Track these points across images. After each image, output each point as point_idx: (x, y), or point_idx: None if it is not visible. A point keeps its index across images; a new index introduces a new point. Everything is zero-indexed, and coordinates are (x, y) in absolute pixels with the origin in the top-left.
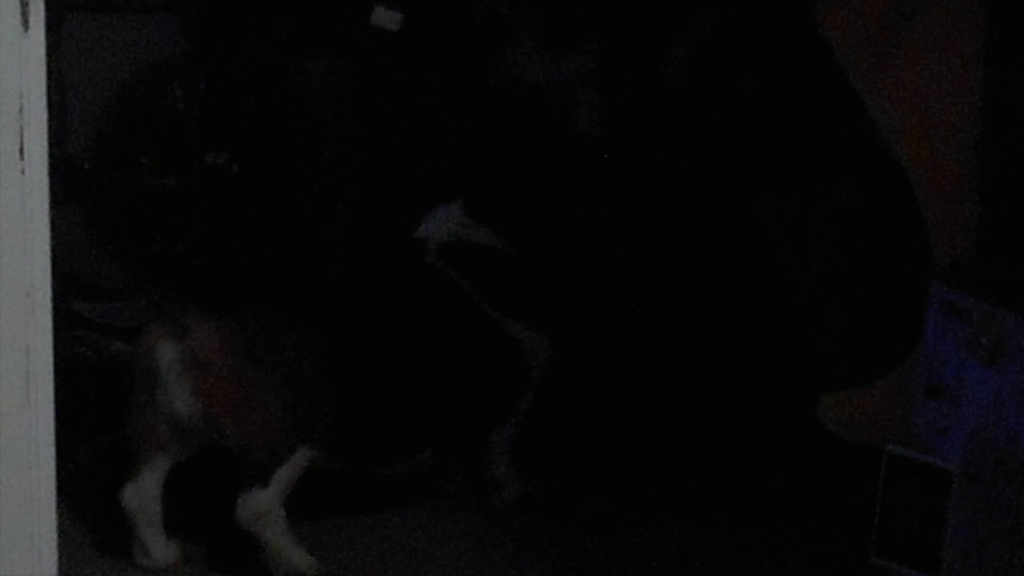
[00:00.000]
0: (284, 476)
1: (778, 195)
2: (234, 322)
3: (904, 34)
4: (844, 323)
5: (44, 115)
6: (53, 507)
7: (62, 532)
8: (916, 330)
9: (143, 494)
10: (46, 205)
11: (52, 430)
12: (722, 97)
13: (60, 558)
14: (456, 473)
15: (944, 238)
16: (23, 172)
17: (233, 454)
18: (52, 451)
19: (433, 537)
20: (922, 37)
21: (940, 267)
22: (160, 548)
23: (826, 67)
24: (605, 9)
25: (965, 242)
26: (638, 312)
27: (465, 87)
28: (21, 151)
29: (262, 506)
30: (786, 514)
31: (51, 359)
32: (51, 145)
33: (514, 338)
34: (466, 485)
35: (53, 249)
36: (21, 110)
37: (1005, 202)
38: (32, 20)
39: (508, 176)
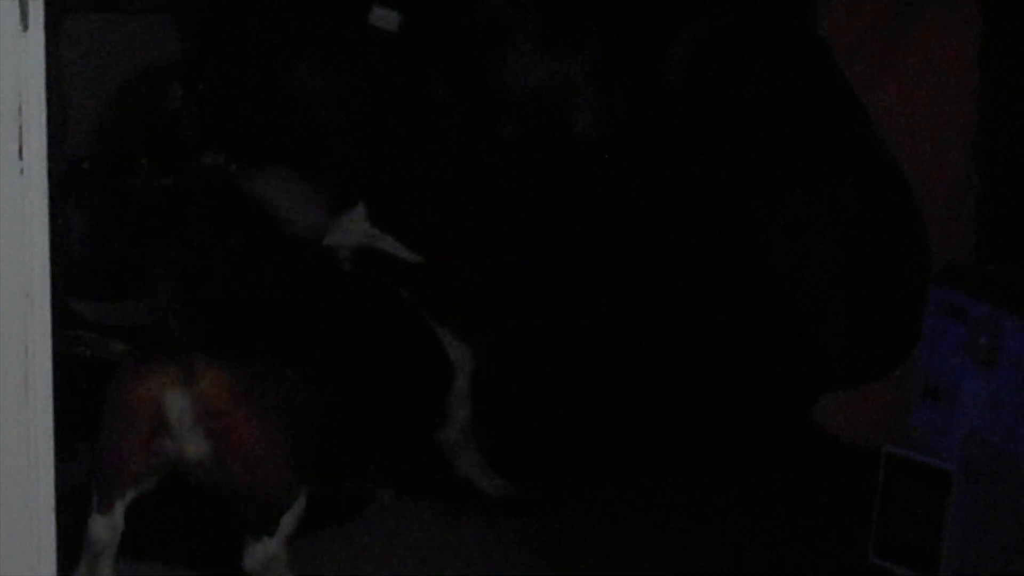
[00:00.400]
0: (290, 521)
1: (777, 195)
2: (241, 365)
3: (903, 36)
4: (842, 324)
5: (43, 115)
6: (52, 507)
7: (61, 534)
8: (914, 331)
9: (114, 528)
10: (45, 205)
11: (51, 430)
12: (722, 98)
13: (59, 559)
14: (387, 486)
15: (943, 239)
16: (22, 172)
17: (234, 503)
18: (51, 451)
19: (413, 543)
20: (921, 39)
21: (938, 268)
22: None
23: (826, 68)
24: (605, 10)
25: (964, 243)
26: (636, 314)
27: (464, 88)
28: (20, 151)
29: (270, 554)
30: (784, 514)
31: (50, 359)
32: (50, 145)
33: (439, 342)
34: (397, 497)
35: (52, 249)
36: (20, 110)
37: (1003, 204)
38: (31, 20)
39: (412, 185)
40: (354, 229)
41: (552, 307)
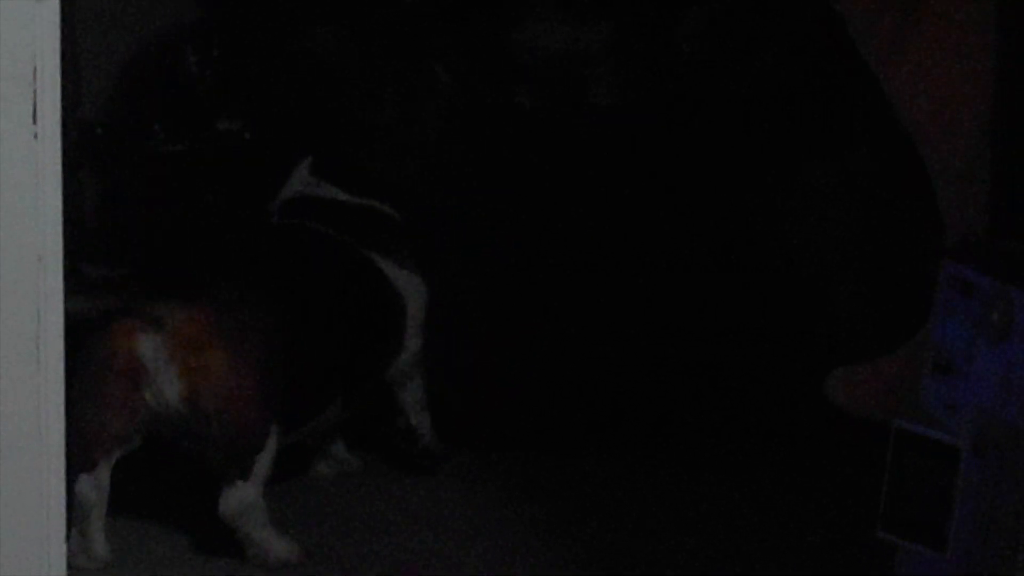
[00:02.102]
0: (263, 465)
1: (790, 168)
2: (207, 306)
3: (918, 9)
4: (854, 297)
5: (58, 81)
6: (62, 469)
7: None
8: (926, 306)
9: (100, 486)
10: (59, 170)
11: (62, 394)
12: (735, 69)
13: (68, 521)
14: (333, 450)
15: (955, 214)
16: (36, 137)
17: (208, 446)
18: (62, 414)
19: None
20: (936, 13)
21: (951, 243)
22: (101, 546)
23: (839, 40)
24: None
25: (976, 219)
26: (647, 284)
27: (477, 58)
28: (34, 116)
29: (246, 500)
30: (793, 488)
31: (62, 322)
32: (64, 110)
33: (391, 281)
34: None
35: (64, 213)
36: (35, 75)
37: (1017, 179)
38: None
39: (358, 135)
40: (294, 181)
41: (562, 281)
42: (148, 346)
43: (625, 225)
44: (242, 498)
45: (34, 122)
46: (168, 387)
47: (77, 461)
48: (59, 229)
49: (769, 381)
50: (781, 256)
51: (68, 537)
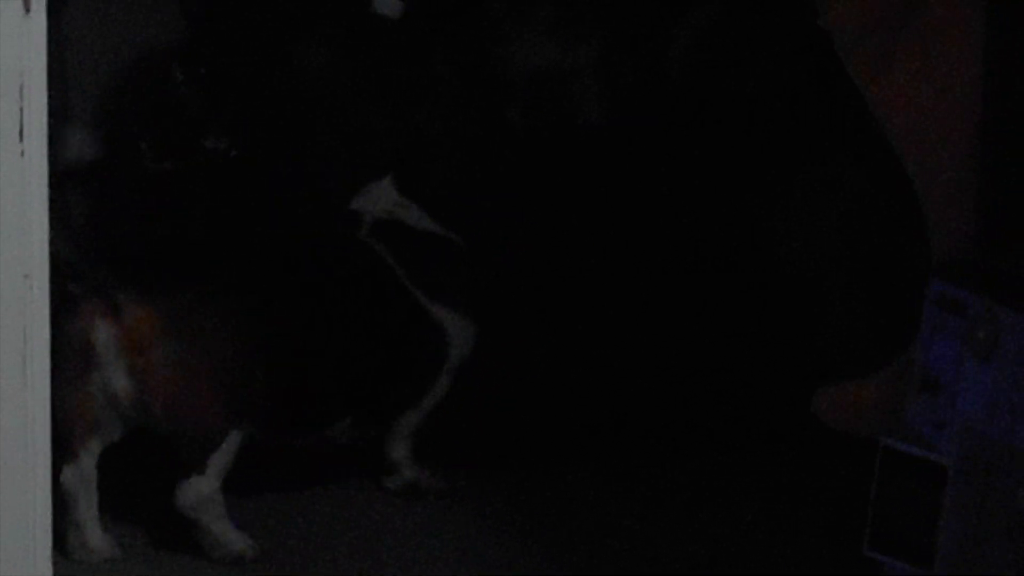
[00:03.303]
0: (219, 461)
1: (777, 186)
2: (168, 304)
3: (906, 27)
4: (841, 315)
5: (44, 98)
6: (49, 488)
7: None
8: (913, 324)
9: (84, 477)
10: (45, 187)
11: (48, 412)
12: (722, 87)
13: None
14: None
15: (943, 232)
16: (23, 154)
17: (165, 439)
18: (48, 433)
19: (374, 517)
20: (924, 31)
21: (938, 261)
22: (98, 538)
23: (826, 58)
24: None
25: (964, 237)
26: (635, 303)
27: (467, 74)
28: (21, 133)
29: (201, 492)
30: (779, 506)
31: (48, 341)
32: (50, 127)
33: (436, 321)
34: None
35: (51, 231)
36: (22, 92)
37: (1004, 197)
38: (33, 3)
39: (442, 156)
40: (382, 197)
41: (553, 295)
42: (102, 333)
43: (615, 242)
44: (197, 491)
45: (20, 140)
46: (115, 378)
47: (58, 452)
48: (46, 247)
49: (757, 399)
50: (768, 273)
51: (65, 536)
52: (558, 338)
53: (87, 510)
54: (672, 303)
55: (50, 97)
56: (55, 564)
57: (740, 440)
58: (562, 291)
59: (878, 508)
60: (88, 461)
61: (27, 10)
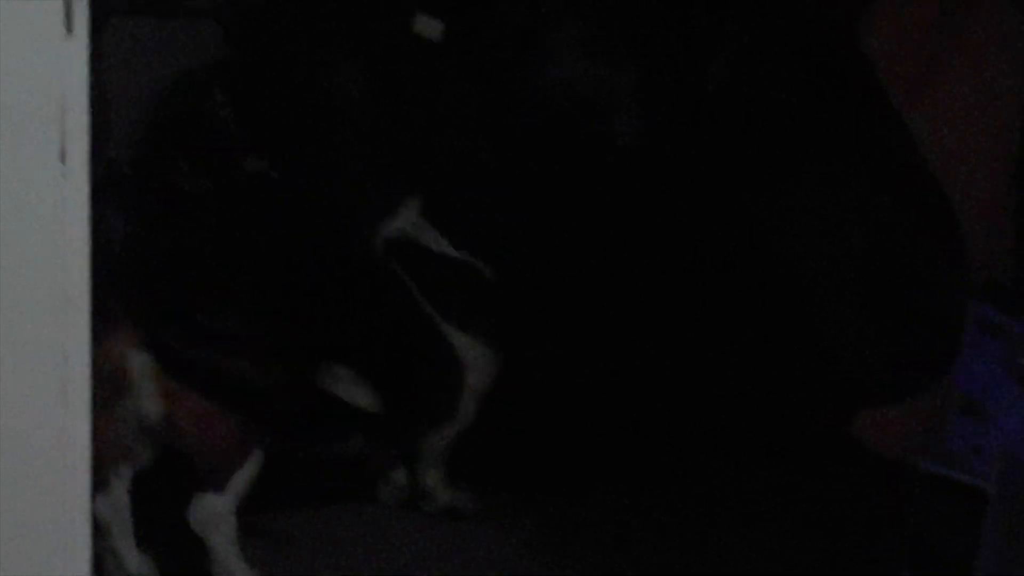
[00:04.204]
0: (239, 481)
1: (816, 208)
2: (198, 326)
3: (947, 51)
4: (881, 338)
5: (86, 119)
6: (88, 514)
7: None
8: (953, 347)
9: (116, 504)
10: (86, 209)
11: (88, 437)
12: (762, 110)
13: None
14: (394, 476)
15: (982, 255)
16: (64, 176)
17: (189, 459)
18: (88, 458)
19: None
20: (965, 55)
21: (978, 285)
22: (134, 560)
23: (867, 82)
24: (647, 21)
25: (1004, 260)
26: (674, 324)
27: (506, 97)
28: (63, 155)
29: (216, 510)
30: (819, 529)
31: (88, 364)
32: (92, 149)
33: (452, 347)
34: (407, 494)
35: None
36: (63, 114)
37: None
38: (76, 23)
39: (473, 184)
40: (403, 218)
41: (585, 314)
42: (136, 359)
43: (651, 265)
44: (213, 508)
45: (62, 161)
46: (149, 403)
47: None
48: (87, 268)
49: (798, 423)
50: (808, 297)
51: (102, 562)
52: (591, 362)
53: (122, 536)
54: (710, 326)
55: (92, 118)
56: None
57: (779, 463)
58: (595, 315)
59: (917, 532)
60: (120, 488)
61: (69, 31)
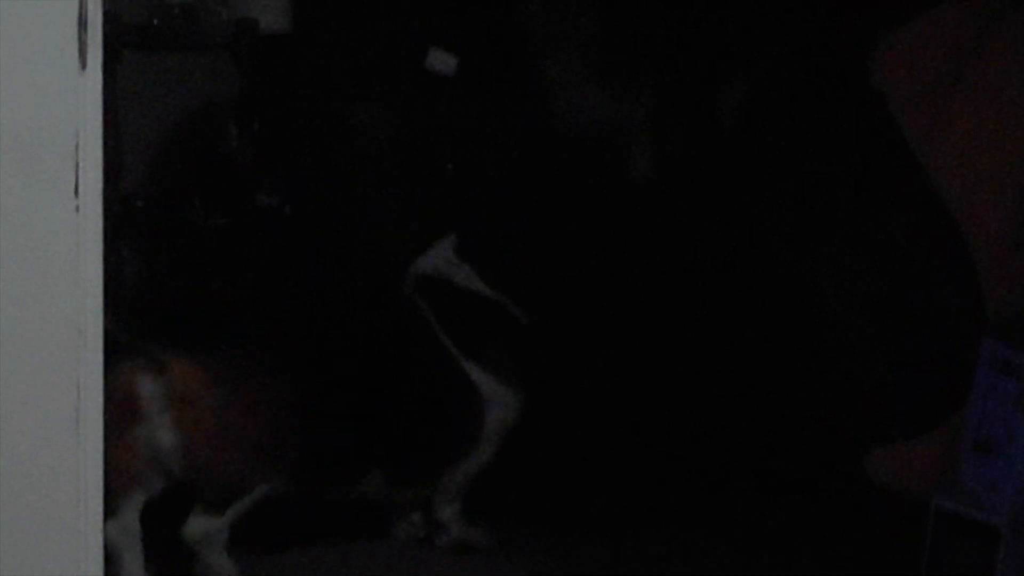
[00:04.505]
0: (239, 508)
1: (829, 244)
2: (210, 359)
3: (959, 88)
4: (893, 375)
5: (100, 154)
6: (100, 543)
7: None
8: (965, 383)
9: (127, 530)
10: (100, 243)
11: (101, 467)
12: (775, 145)
13: None
14: (413, 516)
15: (996, 292)
16: (77, 210)
17: (194, 483)
18: (100, 488)
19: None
20: (976, 92)
21: (991, 322)
22: None
23: (879, 118)
24: (662, 55)
25: (1017, 296)
26: (686, 358)
27: (521, 130)
28: (76, 189)
29: (211, 529)
30: (833, 566)
31: (101, 397)
32: (105, 183)
33: (474, 386)
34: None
35: (104, 286)
36: (77, 148)
37: None
38: (89, 59)
39: (507, 223)
40: (436, 256)
41: (605, 351)
42: (147, 388)
43: (663, 296)
44: (208, 527)
45: (76, 195)
46: (162, 432)
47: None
48: (100, 302)
49: (809, 458)
50: (820, 331)
51: None
52: (609, 399)
53: (133, 562)
54: (726, 363)
55: (105, 153)
56: None
57: (793, 500)
58: (614, 350)
59: (931, 569)
60: (131, 515)
61: (83, 66)
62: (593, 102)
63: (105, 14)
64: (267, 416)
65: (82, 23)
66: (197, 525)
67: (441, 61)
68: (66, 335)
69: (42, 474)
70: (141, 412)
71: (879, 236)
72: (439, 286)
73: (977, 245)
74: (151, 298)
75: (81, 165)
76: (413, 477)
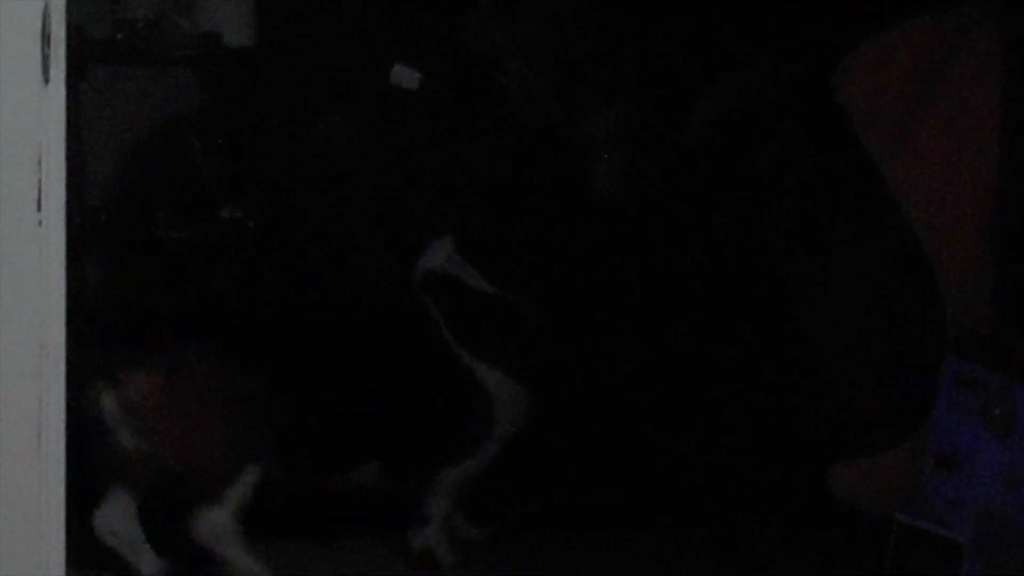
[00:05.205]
0: (235, 494)
1: (793, 260)
2: (163, 365)
3: (923, 104)
4: (856, 391)
5: (63, 168)
6: (63, 558)
7: None
8: (928, 400)
9: (112, 517)
10: (63, 257)
11: (63, 482)
12: (740, 161)
13: None
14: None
15: (958, 309)
16: (40, 224)
17: (182, 479)
18: (63, 503)
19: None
20: (941, 108)
21: (954, 338)
22: (150, 567)
23: (844, 134)
24: (628, 67)
25: (979, 314)
26: (652, 371)
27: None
28: (39, 203)
29: (216, 523)
30: None
31: (63, 411)
32: (68, 197)
33: (479, 382)
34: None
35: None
36: (40, 162)
37: (1020, 275)
38: (52, 73)
39: (503, 220)
40: (439, 254)
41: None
42: (106, 404)
43: (630, 314)
44: (213, 521)
45: (39, 209)
46: (127, 441)
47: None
48: (63, 317)
49: (772, 474)
50: (783, 348)
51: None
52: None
53: (127, 548)
54: (690, 375)
55: (68, 167)
56: None
57: (756, 514)
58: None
59: None
60: (116, 504)
61: (46, 81)
62: (558, 115)
63: (69, 28)
64: (239, 407)
65: (45, 37)
66: (203, 521)
67: (405, 76)
68: (29, 349)
69: (4, 488)
70: (104, 425)
71: (842, 252)
72: (446, 284)
73: (940, 261)
74: (114, 310)
75: (44, 179)
76: (410, 472)
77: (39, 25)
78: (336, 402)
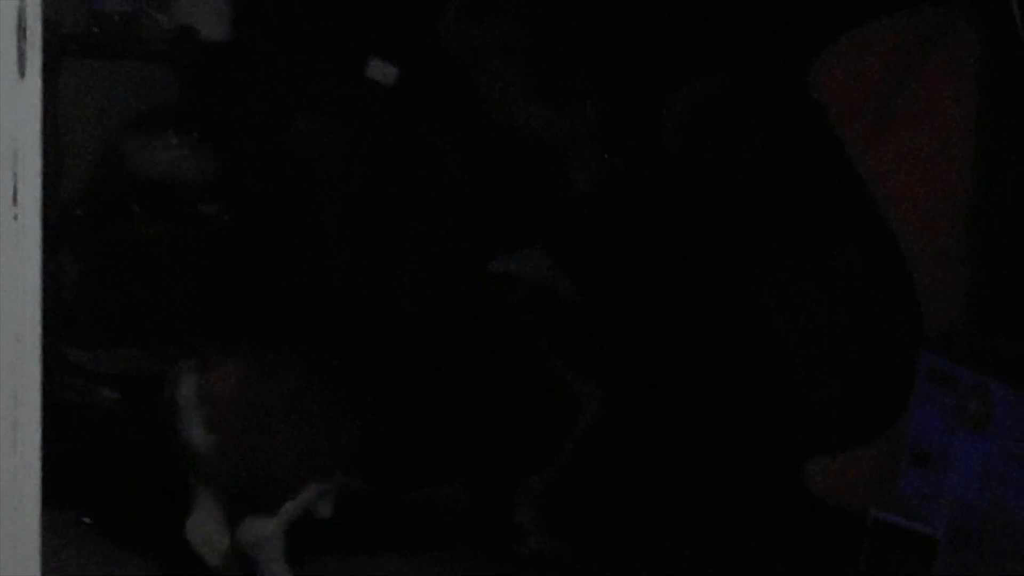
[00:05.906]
0: (291, 508)
1: (770, 258)
2: (253, 361)
3: (899, 100)
4: (832, 387)
5: (39, 162)
6: (38, 556)
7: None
8: (904, 396)
9: (203, 527)
10: (39, 251)
11: (39, 476)
12: (717, 159)
13: None
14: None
15: (934, 306)
16: (16, 218)
17: (240, 484)
18: (38, 499)
19: None
20: (917, 104)
21: (929, 335)
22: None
23: (820, 131)
24: (606, 65)
25: (955, 310)
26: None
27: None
28: (15, 197)
29: (265, 533)
30: None
31: (39, 405)
32: (44, 191)
33: (568, 388)
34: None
35: (44, 294)
36: (16, 156)
37: (995, 272)
38: (29, 67)
39: (589, 228)
40: (537, 264)
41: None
42: (185, 386)
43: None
44: (262, 531)
45: (14, 203)
46: (192, 430)
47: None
48: (39, 311)
49: (748, 471)
50: (758, 346)
51: None
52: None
53: (213, 559)
54: (665, 375)
55: (44, 161)
56: None
57: (730, 509)
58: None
59: None
60: (204, 511)
61: (22, 75)
62: (532, 113)
63: (44, 22)
64: (315, 421)
65: (21, 31)
66: (251, 527)
67: (381, 71)
68: (5, 343)
69: None
70: (178, 408)
71: (817, 248)
72: (543, 296)
73: (915, 257)
74: (90, 305)
75: (19, 173)
76: (497, 483)
77: (15, 19)
78: (424, 413)
